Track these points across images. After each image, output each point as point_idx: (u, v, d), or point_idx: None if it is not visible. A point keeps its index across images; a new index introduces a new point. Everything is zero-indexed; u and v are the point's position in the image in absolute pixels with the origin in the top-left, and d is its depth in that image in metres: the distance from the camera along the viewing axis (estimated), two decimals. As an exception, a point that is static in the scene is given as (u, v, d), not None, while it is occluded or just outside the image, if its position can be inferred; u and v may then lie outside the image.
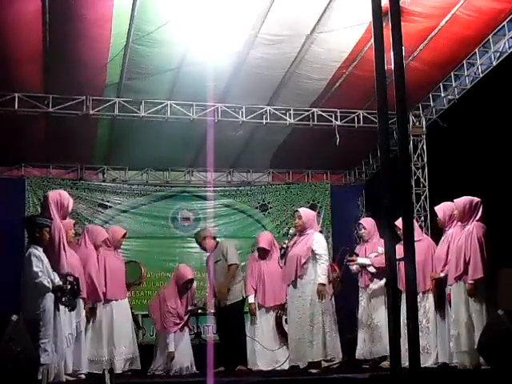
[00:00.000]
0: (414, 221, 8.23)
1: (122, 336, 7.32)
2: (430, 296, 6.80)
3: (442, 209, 6.76)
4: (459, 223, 6.43)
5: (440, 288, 6.68)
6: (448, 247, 6.55)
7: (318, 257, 6.73)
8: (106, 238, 7.45)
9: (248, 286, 7.86)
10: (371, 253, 7.41)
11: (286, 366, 7.29)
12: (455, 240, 6.38)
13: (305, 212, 7.07)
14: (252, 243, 10.99)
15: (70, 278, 5.73)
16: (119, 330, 7.31)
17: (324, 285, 6.69)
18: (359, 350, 7.53)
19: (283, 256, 7.09)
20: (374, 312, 7.38)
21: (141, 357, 7.51)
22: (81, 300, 6.43)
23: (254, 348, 7.69)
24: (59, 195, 6.25)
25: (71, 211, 6.56)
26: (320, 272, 6.67)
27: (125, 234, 7.86)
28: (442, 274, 6.63)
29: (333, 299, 7.01)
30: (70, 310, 5.88)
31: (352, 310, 8.03)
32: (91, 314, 7.03)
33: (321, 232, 7.45)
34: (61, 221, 6.14)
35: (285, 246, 7.03)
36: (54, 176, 10.91)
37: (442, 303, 6.70)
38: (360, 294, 7.63)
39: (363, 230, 7.74)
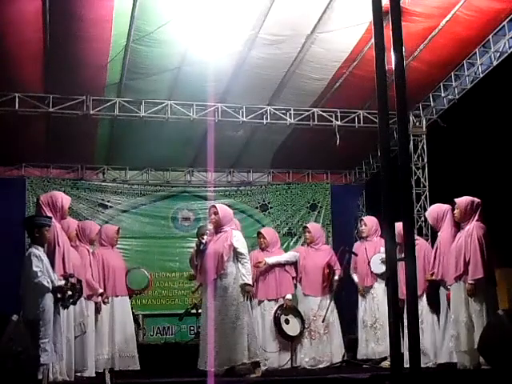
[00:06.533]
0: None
1: (123, 333, 7.30)
2: (424, 298, 6.75)
3: (430, 213, 6.90)
4: (451, 224, 6.46)
5: (432, 290, 6.66)
6: (436, 250, 6.58)
7: (240, 256, 6.44)
8: (101, 237, 7.45)
9: None
10: (374, 254, 7.36)
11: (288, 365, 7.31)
12: (445, 242, 6.42)
13: (221, 208, 6.71)
14: (252, 243, 11.02)
15: (72, 280, 5.72)
16: (120, 328, 7.29)
17: (250, 285, 6.48)
18: (361, 349, 7.53)
19: (199, 252, 6.57)
20: (377, 312, 7.37)
21: (141, 357, 7.50)
22: (83, 300, 6.42)
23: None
24: (50, 197, 6.22)
25: (68, 210, 6.48)
26: (244, 272, 6.41)
27: (118, 230, 7.82)
28: (430, 277, 6.61)
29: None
30: (63, 308, 5.79)
31: (352, 310, 8.01)
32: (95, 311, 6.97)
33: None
34: (60, 221, 6.14)
35: (204, 241, 6.52)
36: (55, 176, 10.91)
37: (434, 305, 6.69)
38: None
39: (364, 227, 7.71)
